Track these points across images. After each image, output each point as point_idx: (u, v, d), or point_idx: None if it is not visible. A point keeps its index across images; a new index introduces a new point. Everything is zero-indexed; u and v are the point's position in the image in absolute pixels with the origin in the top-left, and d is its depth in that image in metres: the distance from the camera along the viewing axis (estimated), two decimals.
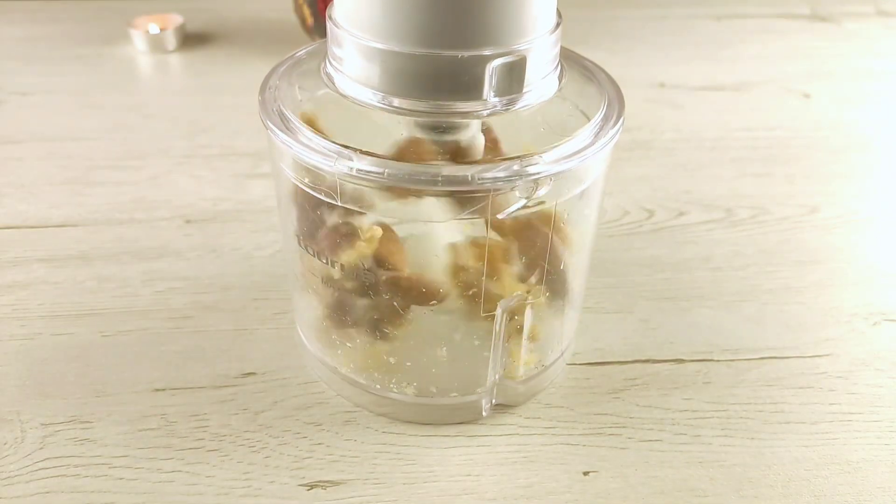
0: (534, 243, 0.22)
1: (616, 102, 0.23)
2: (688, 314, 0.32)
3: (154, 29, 0.56)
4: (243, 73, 0.53)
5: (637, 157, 0.43)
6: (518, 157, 0.20)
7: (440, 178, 0.19)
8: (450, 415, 0.26)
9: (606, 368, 0.29)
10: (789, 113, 0.49)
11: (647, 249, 0.36)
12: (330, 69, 0.22)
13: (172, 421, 0.26)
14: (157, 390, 0.27)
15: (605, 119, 0.22)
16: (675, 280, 0.34)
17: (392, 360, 0.25)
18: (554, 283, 0.24)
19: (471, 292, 0.23)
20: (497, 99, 0.20)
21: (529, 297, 0.23)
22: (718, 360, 0.29)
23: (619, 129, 0.22)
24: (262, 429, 0.26)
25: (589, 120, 0.22)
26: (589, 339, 0.30)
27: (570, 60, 0.24)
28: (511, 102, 0.20)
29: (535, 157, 0.20)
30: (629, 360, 0.29)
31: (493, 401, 0.26)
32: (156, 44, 0.56)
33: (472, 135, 0.21)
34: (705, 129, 0.47)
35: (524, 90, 0.20)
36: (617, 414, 0.27)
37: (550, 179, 0.20)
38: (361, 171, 0.19)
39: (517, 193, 0.20)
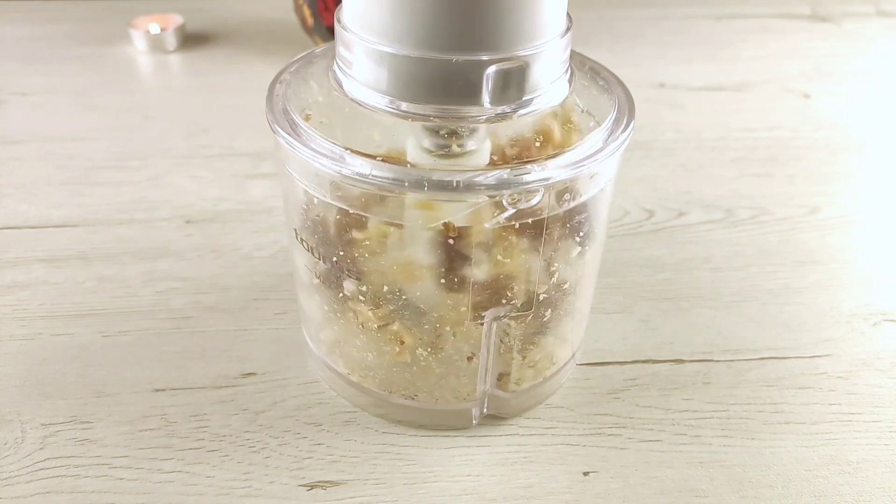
0: (527, 253, 0.22)
1: (625, 109, 0.22)
2: (688, 314, 0.32)
3: (154, 29, 0.56)
4: (243, 73, 0.53)
5: (637, 158, 0.43)
6: (509, 165, 0.19)
7: (426, 183, 0.19)
8: (441, 420, 0.26)
9: (606, 369, 0.29)
10: (789, 113, 0.49)
11: (647, 249, 0.36)
12: (338, 72, 0.22)
13: (172, 421, 0.26)
14: (158, 390, 0.27)
15: (615, 125, 0.22)
16: (675, 280, 0.34)
17: (370, 357, 0.24)
18: (550, 298, 0.24)
19: (458, 296, 0.22)
20: (496, 105, 0.20)
21: (523, 309, 0.23)
22: (718, 361, 0.29)
23: (627, 138, 0.21)
24: (263, 429, 0.26)
25: (599, 125, 0.21)
26: (589, 340, 0.30)
27: (579, 63, 0.24)
28: (516, 108, 0.20)
29: (529, 165, 0.19)
30: (629, 360, 0.29)
31: (485, 410, 0.26)
32: (156, 44, 0.56)
33: (479, 140, 0.21)
34: (705, 130, 0.47)
35: (528, 96, 0.20)
36: (617, 414, 0.27)
37: (541, 189, 0.20)
38: (350, 171, 0.19)
39: (504, 202, 0.20)
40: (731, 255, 0.35)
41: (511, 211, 0.20)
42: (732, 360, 0.29)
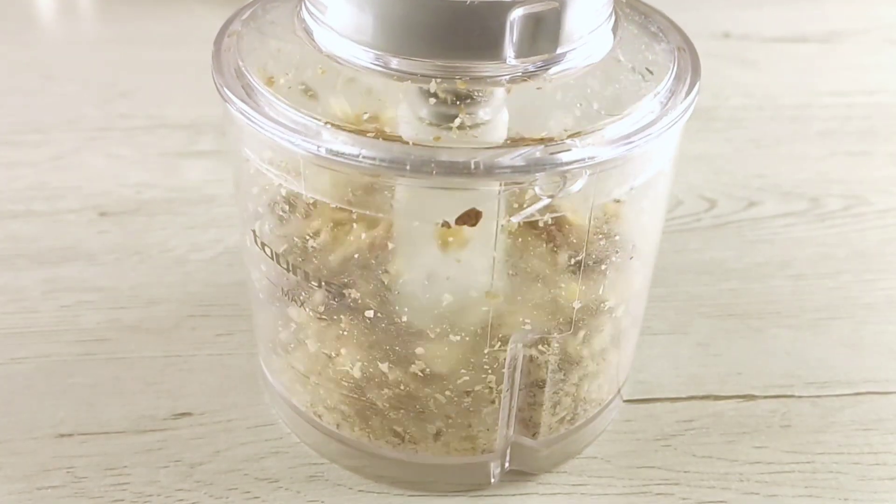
0: (566, 256, 0.22)
1: (688, 64, 0.22)
2: (760, 336, 0.32)
3: None
4: (177, 20, 0.53)
5: (694, 130, 0.43)
6: (543, 141, 0.19)
7: (434, 166, 0.19)
8: (445, 478, 0.26)
9: (654, 407, 0.29)
10: (894, 72, 0.50)
11: (706, 251, 0.36)
12: (307, 19, 0.22)
13: (82, 476, 0.26)
14: (62, 436, 0.27)
15: (675, 86, 0.22)
16: (743, 291, 0.34)
17: (349, 391, 0.24)
18: (593, 316, 0.24)
19: (474, 316, 0.22)
20: (522, 60, 0.20)
21: (556, 331, 0.23)
22: (801, 397, 0.30)
23: (692, 103, 0.21)
24: (200, 486, 0.26)
25: (655, 86, 0.22)
26: (632, 369, 0.30)
27: (625, 6, 0.24)
28: (545, 64, 0.20)
29: (568, 141, 0.19)
30: (683, 396, 0.29)
31: (507, 465, 0.26)
32: None
33: (494, 108, 0.21)
34: (784, 94, 0.47)
35: (562, 49, 0.20)
36: (667, 467, 0.27)
37: (585, 172, 0.20)
38: (330, 150, 0.19)
39: (538, 190, 0.20)
40: (818, 259, 0.36)
41: (545, 201, 0.20)
42: (819, 396, 0.30)
